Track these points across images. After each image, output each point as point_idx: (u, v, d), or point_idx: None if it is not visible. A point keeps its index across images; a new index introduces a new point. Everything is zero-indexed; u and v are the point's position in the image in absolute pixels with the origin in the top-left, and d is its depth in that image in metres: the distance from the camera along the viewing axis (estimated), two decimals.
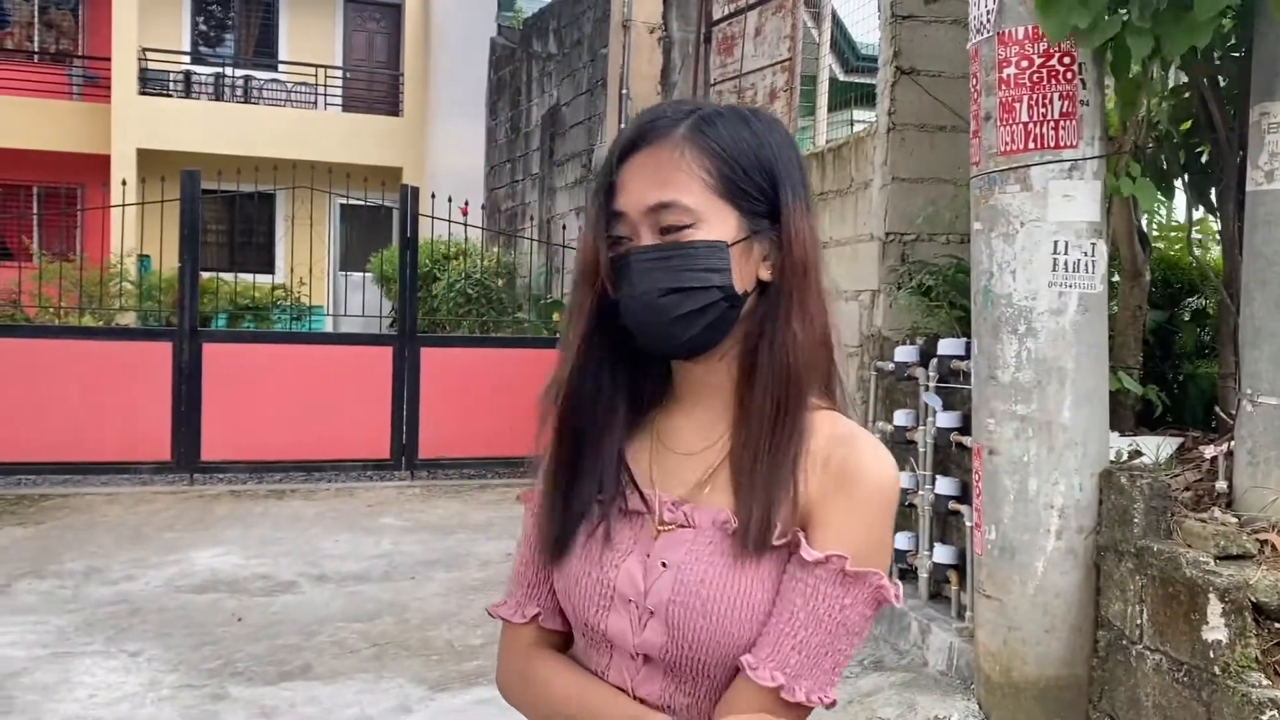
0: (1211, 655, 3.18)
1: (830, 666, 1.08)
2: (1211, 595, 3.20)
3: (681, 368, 1.16)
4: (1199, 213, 4.78)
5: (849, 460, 1.09)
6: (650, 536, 1.13)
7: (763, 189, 1.12)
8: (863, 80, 10.33)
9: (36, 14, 17.67)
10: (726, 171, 1.10)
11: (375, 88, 19.36)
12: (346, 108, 18.60)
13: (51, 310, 9.51)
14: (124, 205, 8.55)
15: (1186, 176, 4.61)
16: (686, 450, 1.15)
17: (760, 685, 1.06)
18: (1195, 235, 4.97)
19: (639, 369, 1.17)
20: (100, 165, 15.56)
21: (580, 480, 1.16)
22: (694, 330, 1.09)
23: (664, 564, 1.11)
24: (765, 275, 1.13)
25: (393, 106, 18.87)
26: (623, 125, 8.67)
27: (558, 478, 1.17)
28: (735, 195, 1.10)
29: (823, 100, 8.23)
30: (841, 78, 10.47)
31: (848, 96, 9.89)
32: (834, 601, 1.07)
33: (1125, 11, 3.43)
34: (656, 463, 1.16)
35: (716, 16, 8.45)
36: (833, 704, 1.10)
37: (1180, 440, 4.31)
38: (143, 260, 12.95)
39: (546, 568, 1.20)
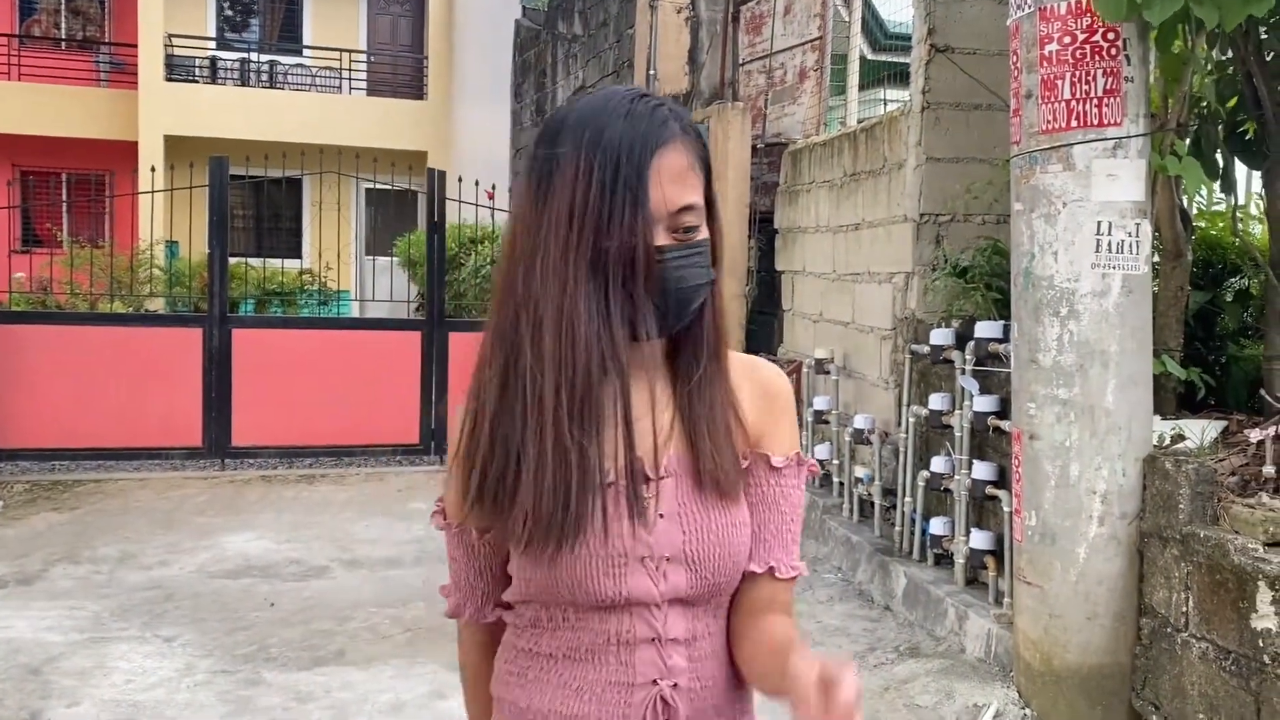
0: (1261, 644, 3.12)
1: (798, 540, 1.34)
2: (1261, 583, 3.13)
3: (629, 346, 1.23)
4: (1237, 193, 4.67)
5: (764, 381, 1.35)
6: (630, 498, 1.22)
7: (709, 187, 1.27)
8: (891, 59, 10.23)
9: (63, 1, 17.74)
10: (706, 177, 1.25)
11: (399, 72, 19.35)
12: (371, 92, 18.60)
13: (81, 296, 9.55)
14: (153, 192, 8.55)
15: (1231, 155, 4.51)
16: (638, 417, 1.23)
17: (784, 580, 1.30)
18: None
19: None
20: (128, 152, 15.63)
21: (587, 460, 1.20)
22: (693, 315, 1.24)
23: (661, 515, 1.23)
24: None
25: (417, 90, 18.85)
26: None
27: (561, 461, 1.19)
28: (707, 196, 1.26)
29: (853, 80, 8.13)
30: (869, 56, 10.35)
31: (876, 75, 9.78)
32: (799, 491, 1.33)
33: None
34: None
35: None
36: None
37: (1224, 424, 4.22)
38: (170, 246, 13.02)
39: (480, 568, 1.36)
